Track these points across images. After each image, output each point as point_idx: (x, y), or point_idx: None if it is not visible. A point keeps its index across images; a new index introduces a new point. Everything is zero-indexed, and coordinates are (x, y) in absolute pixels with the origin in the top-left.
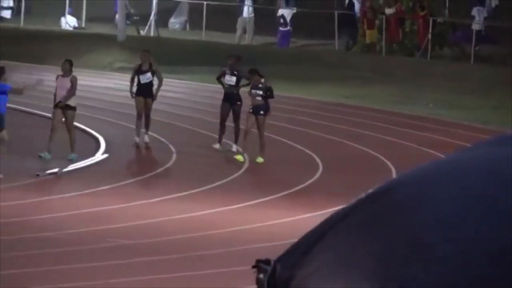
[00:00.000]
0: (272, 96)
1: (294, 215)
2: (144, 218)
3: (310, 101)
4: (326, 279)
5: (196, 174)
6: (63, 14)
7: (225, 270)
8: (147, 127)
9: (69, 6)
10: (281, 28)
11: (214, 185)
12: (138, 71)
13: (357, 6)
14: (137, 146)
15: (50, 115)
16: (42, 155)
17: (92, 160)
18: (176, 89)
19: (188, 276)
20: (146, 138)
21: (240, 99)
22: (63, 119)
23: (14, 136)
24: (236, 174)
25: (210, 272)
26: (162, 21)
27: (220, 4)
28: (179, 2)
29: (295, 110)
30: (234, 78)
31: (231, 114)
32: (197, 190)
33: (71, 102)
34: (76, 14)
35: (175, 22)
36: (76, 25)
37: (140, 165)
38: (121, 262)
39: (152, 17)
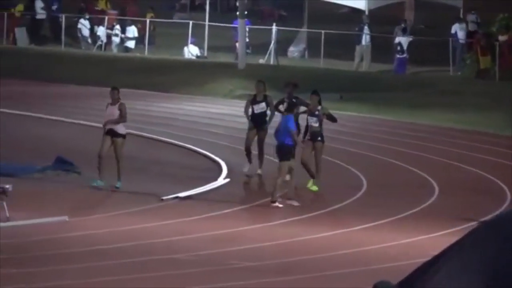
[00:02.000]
0: (334, 120)
1: (411, 236)
2: (266, 241)
3: (425, 126)
4: None
5: (316, 197)
6: (186, 44)
7: None
8: (261, 160)
9: (192, 36)
10: (398, 56)
11: (334, 207)
12: (253, 102)
13: (460, 34)
14: (248, 175)
15: (178, 142)
16: (95, 184)
17: (214, 184)
18: None
19: None
20: (259, 171)
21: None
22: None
23: (142, 161)
24: (355, 197)
25: None
26: (281, 50)
27: (338, 33)
28: (298, 31)
29: (412, 135)
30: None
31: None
32: (315, 213)
33: (120, 130)
34: (198, 43)
35: (294, 51)
36: (199, 54)
37: (260, 189)
38: (245, 283)
39: (271, 45)
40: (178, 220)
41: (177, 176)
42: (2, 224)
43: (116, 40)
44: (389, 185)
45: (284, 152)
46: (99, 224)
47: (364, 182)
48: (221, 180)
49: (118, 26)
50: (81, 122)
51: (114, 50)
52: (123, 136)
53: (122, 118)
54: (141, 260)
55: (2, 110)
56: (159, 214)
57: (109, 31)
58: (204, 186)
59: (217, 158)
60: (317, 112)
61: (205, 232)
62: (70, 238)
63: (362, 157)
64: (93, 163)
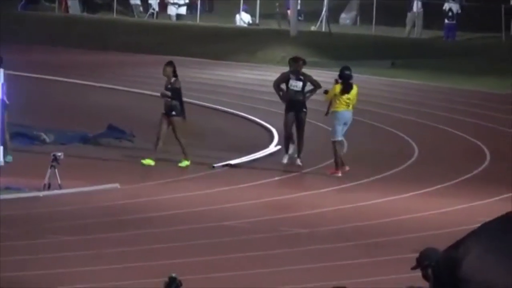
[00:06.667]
0: (177, 97)
1: (463, 203)
2: (317, 208)
3: (479, 92)
4: (486, 266)
5: (366, 164)
6: (238, 12)
7: (400, 256)
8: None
9: (244, 3)
10: (447, 21)
11: (385, 174)
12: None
13: None
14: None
15: (230, 110)
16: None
17: (265, 152)
18: None
19: (362, 263)
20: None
21: (305, 106)
22: None
23: (195, 129)
24: (406, 164)
25: (384, 259)
26: (333, 17)
27: (390, 0)
28: None
29: (465, 102)
30: (300, 84)
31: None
32: (368, 179)
33: None
34: (250, 11)
35: (345, 18)
36: (250, 21)
37: (315, 157)
38: (296, 250)
39: (323, 13)
40: (229, 188)
41: (229, 143)
42: (54, 191)
43: (172, 8)
44: (440, 152)
45: None
46: (150, 191)
47: (416, 149)
48: (273, 148)
49: None
50: (134, 90)
51: (173, 18)
52: None
53: None
54: (191, 227)
55: (55, 78)
56: (210, 182)
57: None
58: (255, 154)
59: (269, 126)
60: (169, 86)
61: (256, 199)
62: (122, 206)
63: (413, 124)
64: (146, 131)
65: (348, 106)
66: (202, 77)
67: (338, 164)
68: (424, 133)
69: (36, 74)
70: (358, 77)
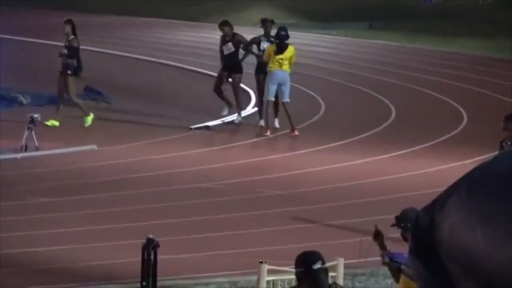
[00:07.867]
0: (73, 56)
1: (440, 164)
2: (294, 169)
3: (455, 54)
4: (468, 229)
5: (344, 126)
6: None
7: (376, 218)
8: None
9: None
10: None
11: (362, 136)
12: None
13: None
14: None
15: (208, 72)
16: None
17: (243, 113)
18: (327, 45)
19: (338, 225)
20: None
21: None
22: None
23: (172, 91)
24: (383, 126)
25: (362, 220)
26: None
27: None
28: None
29: (441, 64)
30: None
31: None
32: (346, 141)
33: None
34: None
35: None
36: None
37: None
38: (273, 211)
39: None
40: (206, 149)
41: (207, 105)
42: (31, 153)
43: None
44: (417, 114)
45: None
46: (128, 153)
47: (393, 110)
48: (250, 109)
49: None
50: (111, 51)
51: None
52: None
53: None
54: (169, 189)
55: (32, 40)
56: (187, 143)
57: None
58: (233, 115)
59: (246, 87)
60: (67, 43)
61: (233, 161)
62: (99, 167)
63: (391, 85)
64: (124, 93)
65: (281, 66)
66: (178, 39)
67: (268, 124)
68: (401, 95)
69: (13, 35)
70: (336, 39)
